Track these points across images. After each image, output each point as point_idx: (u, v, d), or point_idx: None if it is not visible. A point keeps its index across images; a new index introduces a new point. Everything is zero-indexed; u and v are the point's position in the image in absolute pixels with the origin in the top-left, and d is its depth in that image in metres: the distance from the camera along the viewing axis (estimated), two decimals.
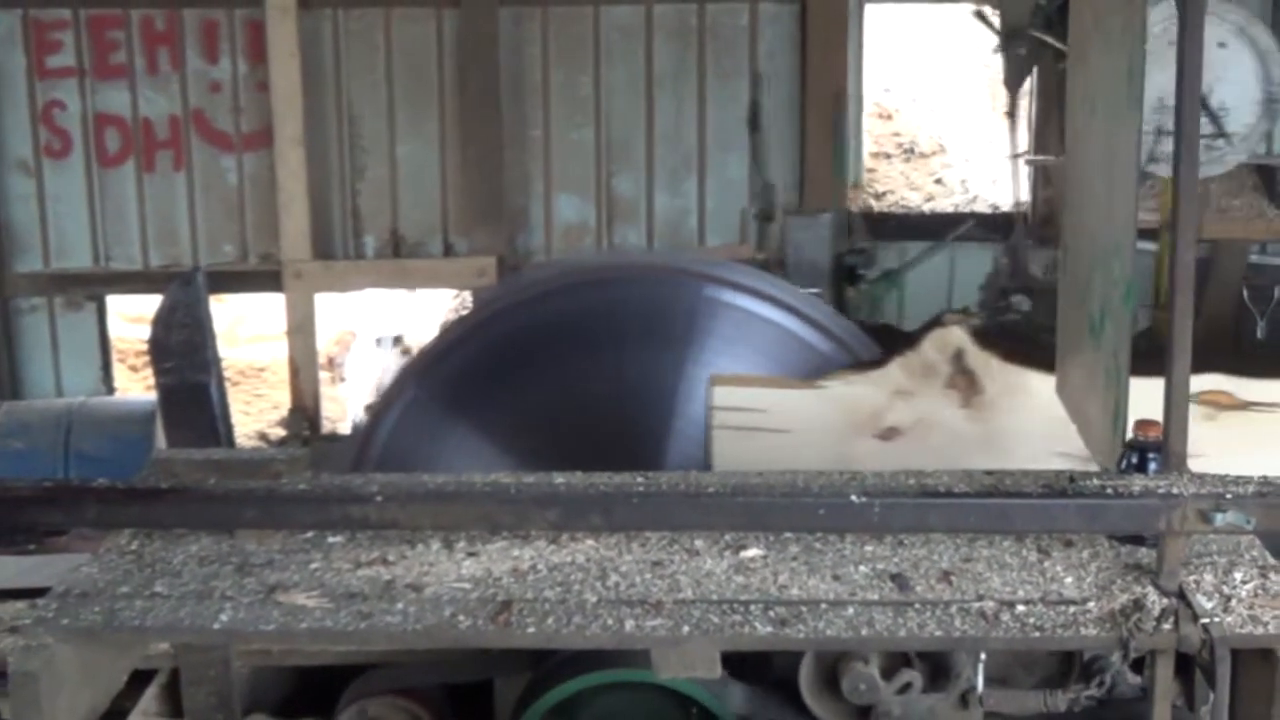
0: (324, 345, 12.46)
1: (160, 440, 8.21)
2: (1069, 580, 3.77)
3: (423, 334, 11.41)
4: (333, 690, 4.65)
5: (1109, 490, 3.70)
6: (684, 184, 11.05)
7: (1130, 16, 4.01)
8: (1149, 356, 3.92)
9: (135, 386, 13.18)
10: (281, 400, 12.53)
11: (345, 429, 11.95)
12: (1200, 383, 5.05)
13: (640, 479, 4.12)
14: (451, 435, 6.03)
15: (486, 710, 4.61)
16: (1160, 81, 8.99)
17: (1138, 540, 3.87)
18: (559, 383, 5.98)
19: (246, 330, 14.91)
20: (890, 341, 5.76)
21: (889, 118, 13.07)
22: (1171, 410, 3.78)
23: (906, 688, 3.92)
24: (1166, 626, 3.56)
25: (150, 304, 7.60)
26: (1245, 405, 5.01)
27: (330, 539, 4.03)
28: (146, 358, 9.34)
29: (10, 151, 10.91)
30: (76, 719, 3.63)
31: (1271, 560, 3.87)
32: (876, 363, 5.29)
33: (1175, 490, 3.63)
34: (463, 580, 3.80)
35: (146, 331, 7.27)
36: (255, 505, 3.80)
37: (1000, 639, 3.59)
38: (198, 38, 10.85)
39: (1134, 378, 4.01)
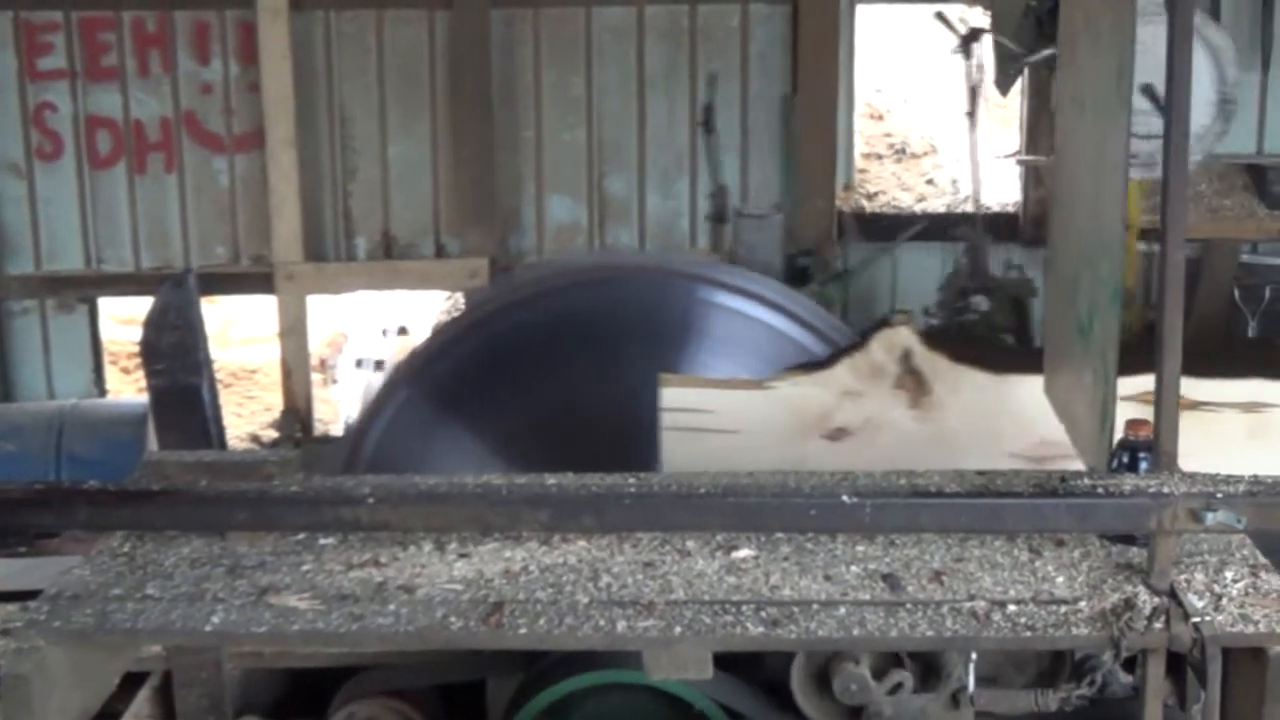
0: (316, 347, 12.45)
1: (152, 442, 8.21)
2: (1060, 580, 3.78)
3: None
4: (325, 692, 4.65)
5: (1100, 490, 3.70)
6: (676, 185, 11.03)
7: (1120, 16, 4.01)
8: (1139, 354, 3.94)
9: (127, 389, 13.16)
10: (273, 402, 12.53)
11: (337, 431, 11.94)
12: (1147, 382, 5.08)
13: (632, 480, 4.13)
14: (443, 436, 6.03)
15: (479, 711, 4.61)
16: None
17: (1129, 539, 3.88)
18: (551, 384, 5.99)
19: (238, 332, 14.91)
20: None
21: (880, 118, 13.06)
22: (1162, 409, 3.79)
23: (898, 688, 3.92)
24: (1158, 625, 3.57)
25: (142, 306, 7.60)
26: (1194, 405, 5.03)
27: (322, 541, 4.04)
28: (138, 360, 9.32)
29: (1, 154, 10.89)
30: None
31: (1262, 559, 3.88)
32: (824, 363, 5.30)
33: (1166, 489, 3.64)
34: (454, 581, 3.81)
35: (138, 333, 7.27)
36: (247, 507, 3.80)
37: (991, 639, 3.60)
38: (189, 39, 10.83)
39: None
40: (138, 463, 4.24)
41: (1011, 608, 3.66)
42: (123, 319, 13.47)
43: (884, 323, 5.32)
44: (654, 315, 6.14)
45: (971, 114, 10.65)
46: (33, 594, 3.82)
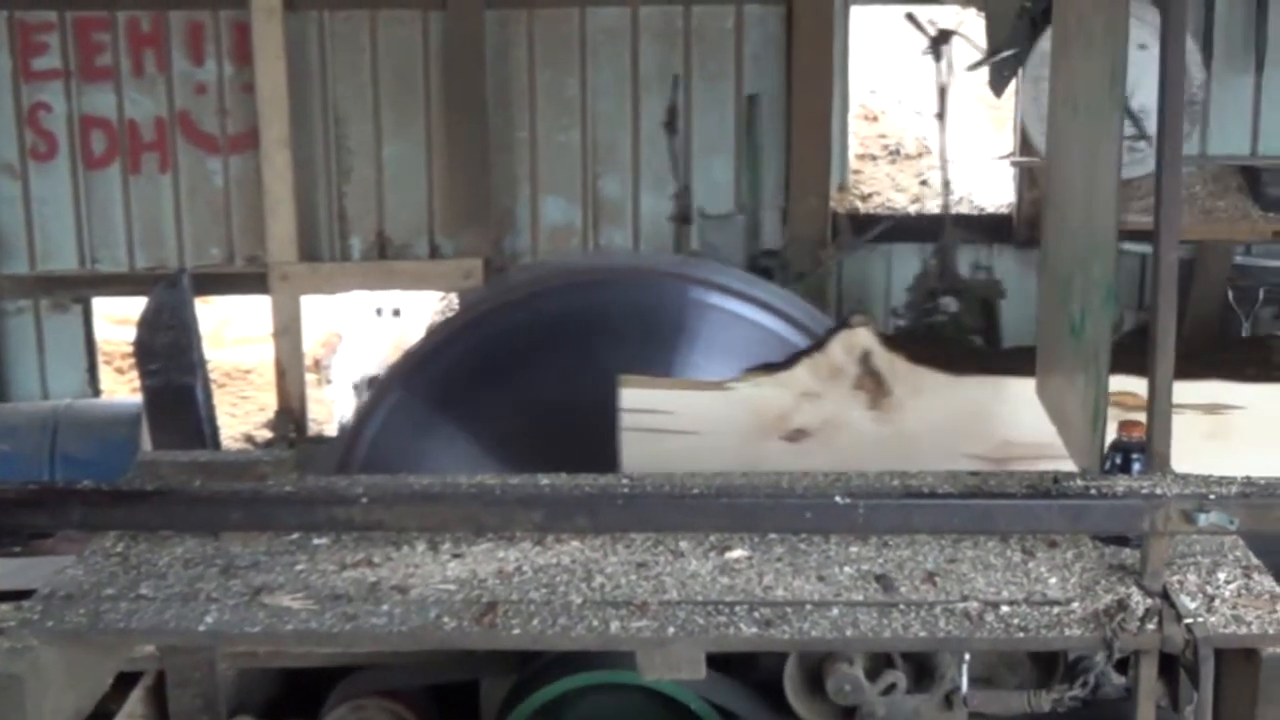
0: (310, 347, 12.45)
1: (146, 442, 8.21)
2: (1053, 581, 3.78)
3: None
4: (319, 692, 4.65)
5: (1093, 491, 3.71)
6: (669, 186, 11.04)
7: (1113, 18, 4.01)
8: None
9: (121, 389, 13.18)
10: (267, 402, 12.52)
11: (331, 431, 11.95)
12: (1121, 383, 5.10)
13: (625, 481, 4.14)
14: (437, 436, 6.03)
15: (472, 712, 4.61)
16: None
17: (1122, 541, 3.88)
18: (545, 384, 5.98)
19: (232, 332, 14.92)
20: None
21: (875, 119, 13.08)
22: (1155, 411, 3.79)
23: (891, 688, 3.92)
24: (1150, 627, 3.57)
25: (136, 306, 7.59)
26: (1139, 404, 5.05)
27: (316, 541, 4.04)
28: (132, 360, 9.34)
29: None
30: None
31: (1255, 560, 3.88)
32: (784, 364, 5.30)
33: (1159, 491, 3.65)
34: (448, 582, 3.81)
35: (132, 334, 7.27)
36: (241, 507, 3.80)
37: (984, 640, 3.60)
38: (183, 40, 10.84)
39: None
40: (132, 463, 4.24)
41: (1004, 609, 3.66)
42: (117, 319, 13.48)
43: (844, 324, 5.32)
44: (648, 316, 6.14)
45: (941, 115, 10.68)
46: (26, 594, 3.82)
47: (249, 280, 10.96)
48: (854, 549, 3.96)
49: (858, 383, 5.24)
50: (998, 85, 10.03)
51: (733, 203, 10.98)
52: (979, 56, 9.82)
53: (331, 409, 13.12)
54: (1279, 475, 3.72)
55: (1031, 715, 3.97)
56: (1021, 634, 3.58)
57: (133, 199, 10.98)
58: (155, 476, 4.07)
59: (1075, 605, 3.66)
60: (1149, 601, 3.63)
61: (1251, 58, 10.66)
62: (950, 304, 10.32)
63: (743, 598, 3.72)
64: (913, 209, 11.55)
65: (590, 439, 5.42)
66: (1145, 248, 9.08)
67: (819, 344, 5.29)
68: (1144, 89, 8.38)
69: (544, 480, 4.14)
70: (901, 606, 3.68)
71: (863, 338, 5.25)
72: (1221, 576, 3.79)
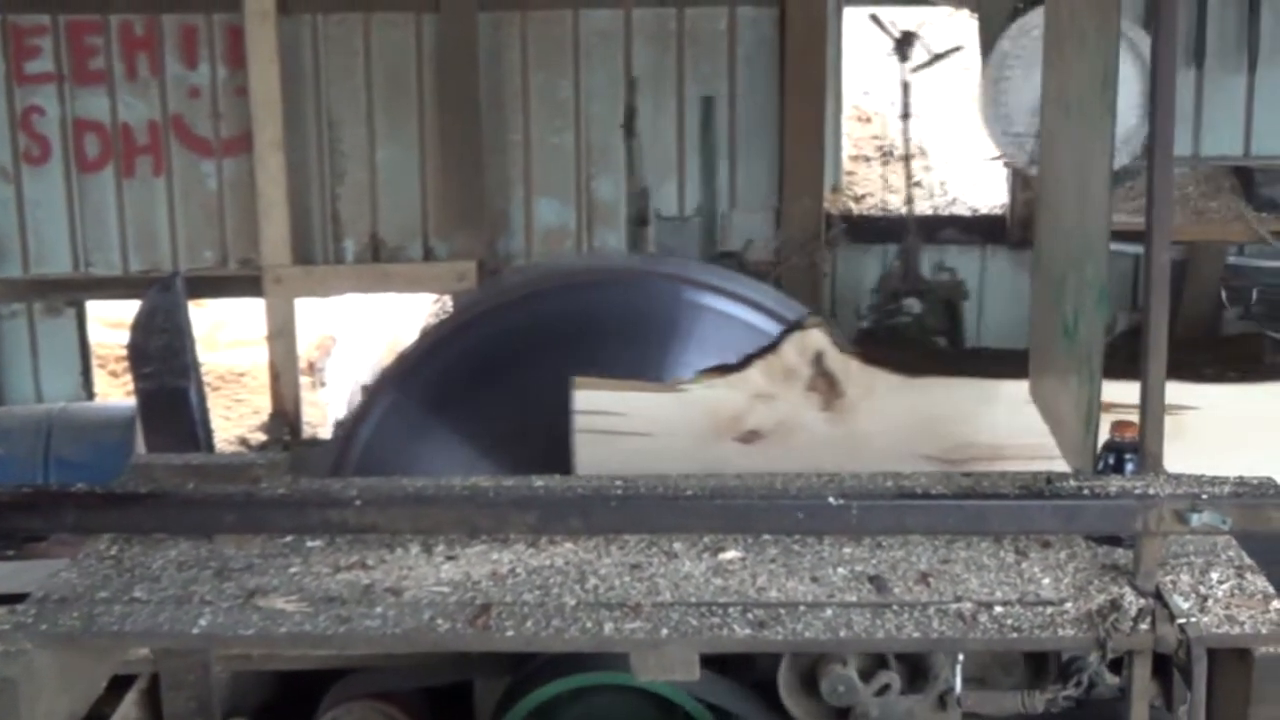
0: (304, 350, 12.44)
1: (140, 445, 8.20)
2: (1046, 581, 3.79)
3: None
4: (313, 694, 4.65)
5: (1086, 491, 3.71)
6: (664, 188, 11.04)
7: (1105, 19, 4.02)
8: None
9: (115, 392, 13.14)
10: (262, 405, 12.50)
11: (325, 434, 11.93)
12: None
13: (618, 482, 4.14)
14: (431, 438, 6.03)
15: (466, 713, 4.61)
16: (1039, 83, 9.07)
17: (1115, 541, 3.89)
18: (539, 386, 5.98)
19: (226, 335, 14.89)
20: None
21: (868, 121, 13.08)
22: (1148, 411, 3.80)
23: (885, 689, 3.93)
24: (1143, 627, 3.58)
25: (130, 309, 7.57)
26: (1106, 407, 5.06)
27: (309, 543, 4.04)
28: (126, 363, 9.32)
29: None
30: None
31: (1248, 560, 3.89)
32: (737, 366, 5.31)
33: (1152, 491, 3.65)
34: (442, 584, 3.81)
35: (126, 337, 7.25)
36: (234, 510, 3.80)
37: (978, 640, 3.61)
38: (177, 43, 10.82)
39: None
40: (125, 466, 4.24)
41: (998, 609, 3.67)
42: (111, 322, 13.44)
43: (796, 325, 5.33)
44: (641, 318, 6.15)
45: (905, 115, 10.71)
46: (20, 597, 3.82)
47: (243, 283, 10.93)
48: (847, 550, 3.97)
49: (811, 384, 5.26)
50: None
51: (729, 201, 10.99)
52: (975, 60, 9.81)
53: (326, 412, 13.10)
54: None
55: (1025, 715, 3.98)
56: (1015, 634, 3.59)
57: (126, 202, 10.96)
58: (149, 479, 4.08)
59: (1068, 605, 3.67)
60: (1142, 601, 3.63)
61: (1244, 58, 10.66)
62: (913, 305, 10.32)
63: (736, 599, 3.72)
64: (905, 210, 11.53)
65: None
66: (1138, 248, 9.11)
67: (772, 346, 5.30)
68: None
69: (538, 482, 4.15)
70: (895, 607, 3.69)
71: (816, 339, 5.27)
72: (1214, 576, 3.79)
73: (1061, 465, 4.45)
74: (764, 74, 10.86)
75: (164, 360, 6.71)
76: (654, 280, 6.45)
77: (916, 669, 3.96)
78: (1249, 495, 3.65)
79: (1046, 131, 4.93)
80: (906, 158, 10.85)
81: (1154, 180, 3.75)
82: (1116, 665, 3.78)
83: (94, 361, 11.83)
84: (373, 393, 6.45)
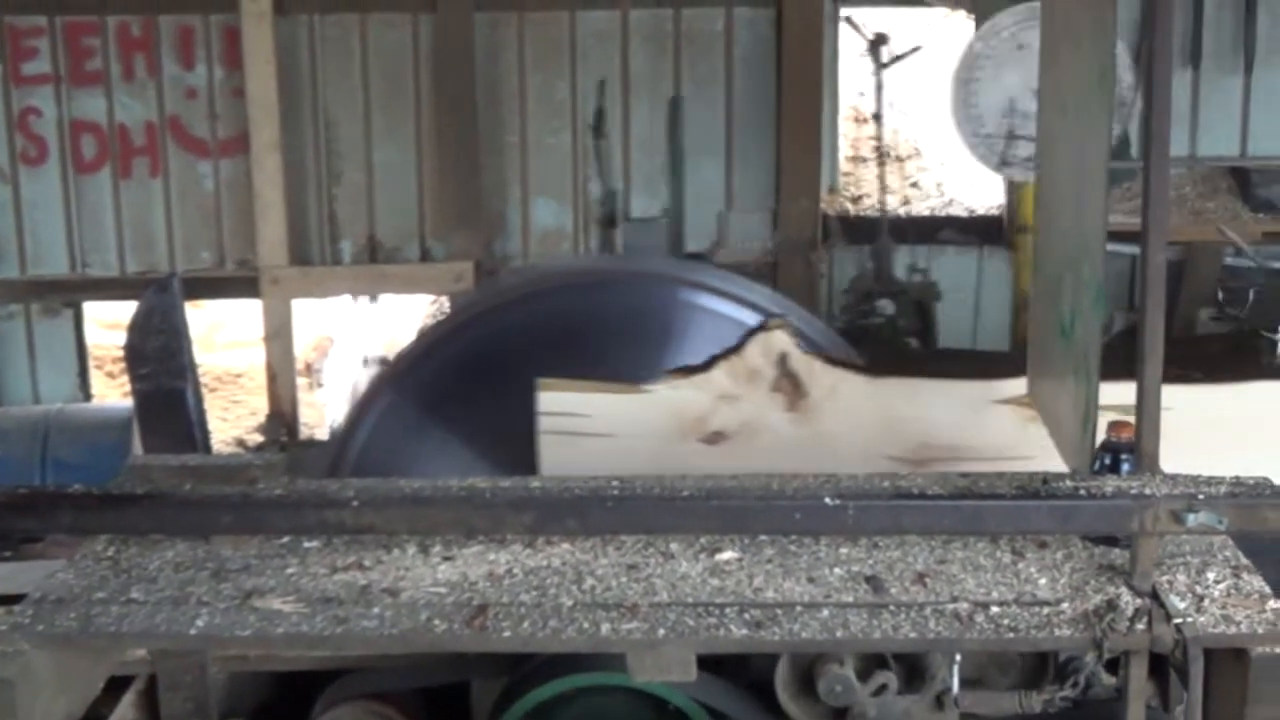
0: (301, 351, 12.44)
1: (137, 446, 8.21)
2: (1043, 581, 3.79)
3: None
4: (310, 695, 4.65)
5: (1082, 491, 3.72)
6: (660, 190, 11.05)
7: (1100, 19, 4.02)
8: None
9: (112, 393, 13.15)
10: (259, 406, 12.51)
11: (322, 435, 11.93)
12: (1022, 386, 5.12)
13: (615, 482, 4.14)
14: (428, 439, 6.03)
15: (463, 714, 4.61)
16: (1010, 84, 9.05)
17: (1111, 541, 3.89)
18: (535, 387, 5.98)
19: (223, 336, 14.89)
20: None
21: (865, 121, 13.07)
22: (1144, 412, 3.80)
23: (882, 689, 3.93)
24: (1140, 627, 3.58)
25: (127, 310, 7.58)
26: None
27: (306, 544, 4.05)
28: (123, 364, 9.32)
29: None
30: None
31: (1244, 560, 3.89)
32: (702, 367, 5.31)
33: (1148, 491, 3.66)
34: (438, 584, 3.81)
35: (123, 338, 7.25)
36: (231, 511, 3.80)
37: (974, 640, 3.61)
38: (174, 44, 10.82)
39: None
40: (122, 467, 4.24)
41: (994, 609, 3.67)
42: (108, 323, 13.45)
43: (760, 326, 5.33)
44: (639, 319, 6.15)
45: (878, 116, 10.73)
46: (17, 598, 3.82)
47: (240, 284, 10.94)
48: (844, 550, 3.97)
49: (775, 385, 5.26)
50: None
51: (726, 204, 10.99)
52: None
53: (323, 413, 13.10)
54: None
55: (1022, 716, 3.98)
56: (1011, 634, 3.59)
57: (123, 203, 10.96)
58: (146, 480, 4.08)
59: (1065, 606, 3.67)
60: (1138, 602, 3.64)
61: (1240, 59, 10.68)
62: (887, 306, 10.33)
63: (733, 599, 3.72)
64: (903, 211, 11.55)
65: None
66: (1135, 249, 9.12)
67: (736, 347, 5.31)
68: None
69: (534, 483, 4.15)
70: (891, 608, 3.69)
71: (779, 340, 5.27)
72: (1211, 576, 3.80)
73: (1027, 465, 4.48)
74: (760, 75, 10.87)
75: (161, 361, 6.71)
76: (651, 281, 6.45)
77: (914, 669, 3.96)
78: (1245, 495, 3.65)
79: (1043, 132, 4.93)
80: (880, 158, 10.88)
81: (1150, 181, 3.75)
82: (1113, 665, 3.78)
83: (91, 362, 11.84)
84: (370, 394, 6.45)
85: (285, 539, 4.06)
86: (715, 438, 5.26)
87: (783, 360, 5.25)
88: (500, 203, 11.01)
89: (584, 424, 5.22)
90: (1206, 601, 3.67)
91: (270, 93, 10.49)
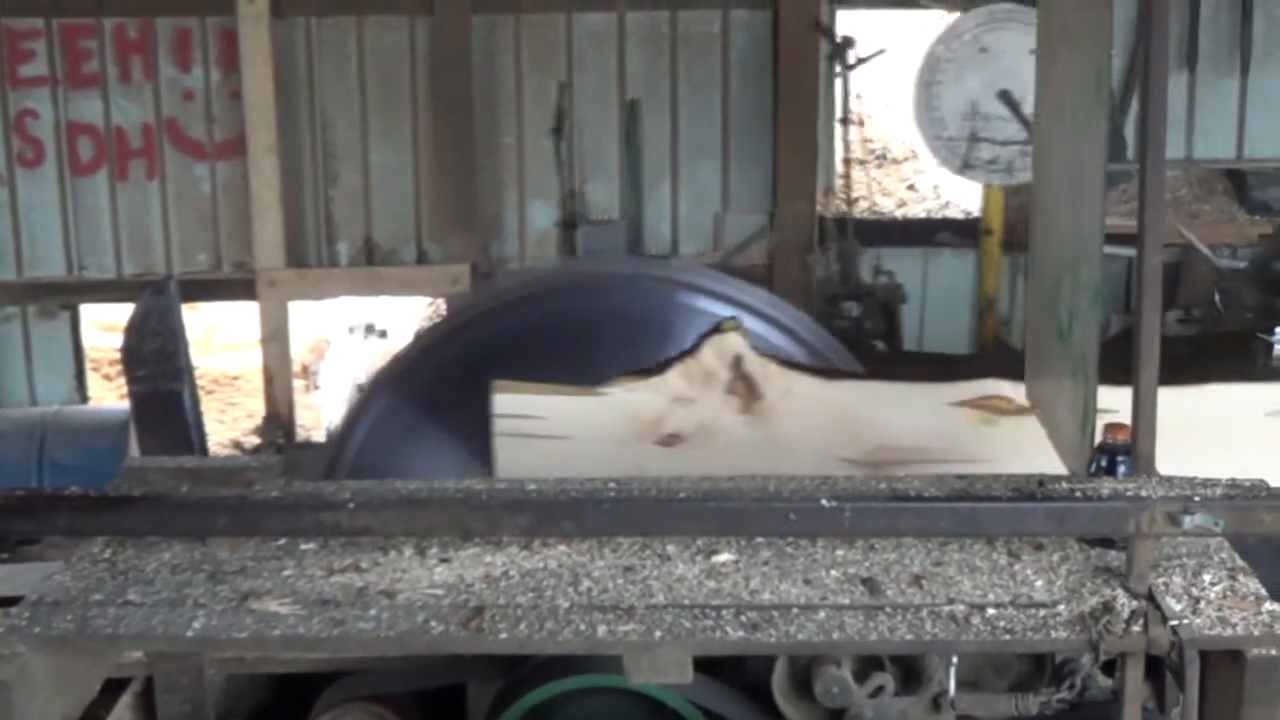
0: (298, 353, 12.44)
1: (134, 448, 8.21)
2: (1039, 583, 3.79)
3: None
4: (306, 697, 4.64)
5: (1078, 493, 3.72)
6: (656, 192, 11.05)
7: (1096, 23, 4.03)
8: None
9: (109, 395, 13.16)
10: (255, 408, 12.51)
11: (319, 437, 11.93)
12: (979, 388, 5.12)
13: (612, 484, 4.14)
14: (425, 441, 6.03)
15: (459, 716, 4.61)
16: (971, 87, 9.05)
17: (1107, 543, 3.89)
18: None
19: (220, 338, 14.90)
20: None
21: (861, 124, 13.07)
22: (1140, 414, 3.80)
23: (879, 691, 3.93)
24: (1136, 629, 3.58)
25: (124, 313, 7.59)
26: (1024, 410, 5.09)
27: (303, 546, 4.04)
28: (120, 366, 9.33)
29: None
30: None
31: (1240, 562, 3.89)
32: (656, 369, 5.32)
33: (1144, 493, 3.66)
34: (435, 586, 3.81)
35: (120, 340, 7.26)
36: (228, 513, 3.80)
37: (971, 642, 3.61)
38: (170, 46, 10.83)
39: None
40: (119, 469, 4.24)
41: (990, 611, 3.67)
42: (104, 325, 13.47)
43: (715, 329, 5.34)
44: (635, 321, 6.15)
45: (845, 120, 10.73)
46: (14, 600, 3.82)
47: (236, 286, 10.94)
48: (840, 552, 3.97)
49: (730, 387, 5.27)
50: None
51: (722, 205, 11.00)
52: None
53: (319, 415, 13.10)
54: None
55: (1018, 718, 3.98)
56: (1007, 636, 3.59)
57: (120, 206, 10.97)
58: (142, 482, 4.08)
59: (1061, 607, 3.67)
60: (1134, 603, 3.64)
61: (1237, 61, 10.69)
62: (852, 308, 10.33)
63: (729, 601, 3.72)
64: (899, 213, 11.56)
65: None
66: (1131, 251, 9.12)
67: (691, 349, 5.32)
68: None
69: (530, 485, 4.14)
70: (888, 609, 3.69)
71: (734, 343, 5.28)
72: (1207, 578, 3.79)
73: (982, 467, 4.50)
74: (757, 77, 10.88)
75: (158, 364, 6.72)
76: (648, 283, 6.45)
77: (911, 671, 3.96)
78: (1241, 497, 3.65)
79: (1040, 135, 4.93)
80: (847, 161, 10.89)
81: (1146, 183, 3.75)
82: (1109, 667, 3.78)
83: (88, 365, 11.84)
84: (367, 395, 6.45)
85: (282, 541, 4.06)
86: (670, 440, 5.27)
87: (737, 362, 5.26)
88: (496, 205, 11.02)
89: (539, 426, 5.23)
90: (1202, 603, 3.67)
91: (267, 95, 10.49)
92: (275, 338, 10.79)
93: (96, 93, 10.87)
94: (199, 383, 8.25)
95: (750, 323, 6.09)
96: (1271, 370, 6.29)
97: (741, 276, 7.10)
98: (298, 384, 11.87)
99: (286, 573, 3.91)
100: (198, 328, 13.62)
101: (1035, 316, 4.90)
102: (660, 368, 5.30)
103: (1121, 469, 3.92)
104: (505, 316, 6.38)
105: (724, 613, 3.68)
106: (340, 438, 6.39)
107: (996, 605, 3.69)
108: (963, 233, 11.17)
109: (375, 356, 12.57)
